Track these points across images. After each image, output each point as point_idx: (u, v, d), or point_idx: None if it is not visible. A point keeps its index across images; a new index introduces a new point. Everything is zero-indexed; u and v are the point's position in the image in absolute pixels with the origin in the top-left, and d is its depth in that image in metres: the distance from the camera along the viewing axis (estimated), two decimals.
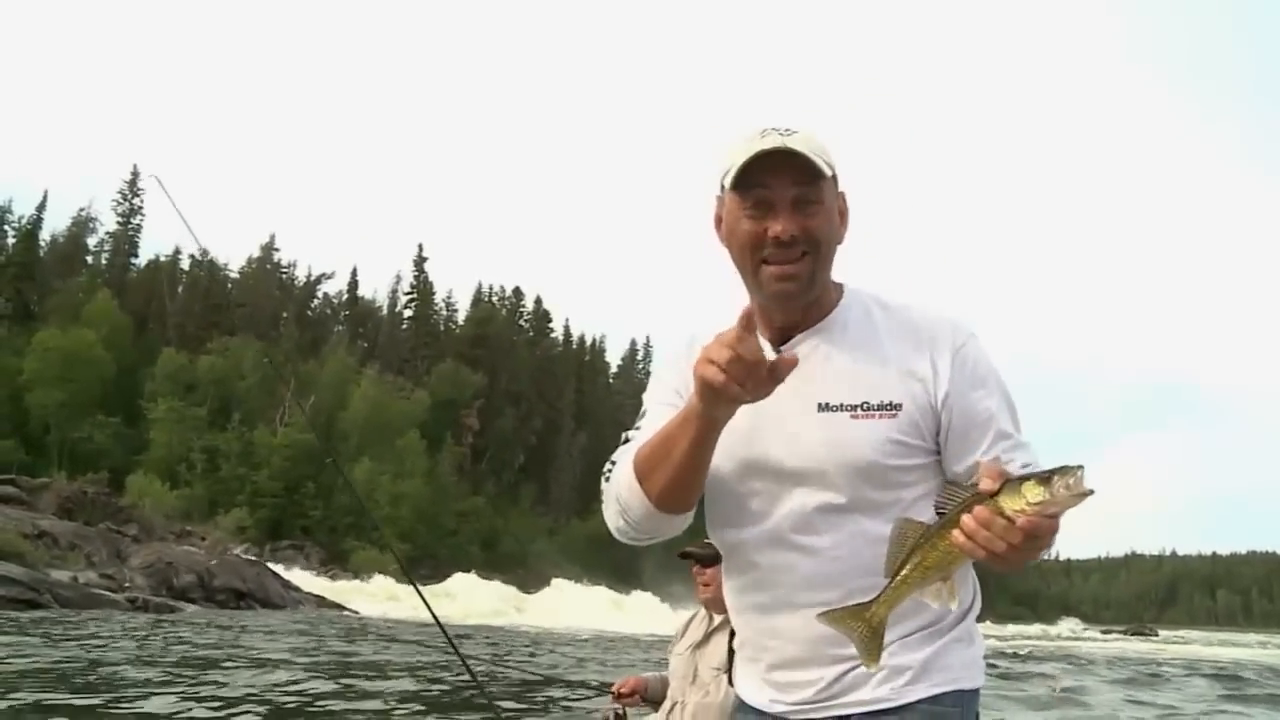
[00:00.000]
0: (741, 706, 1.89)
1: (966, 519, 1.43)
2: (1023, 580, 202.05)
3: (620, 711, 4.02)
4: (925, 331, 1.76)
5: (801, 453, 1.72)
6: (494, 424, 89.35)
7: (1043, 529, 1.42)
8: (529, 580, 66.29)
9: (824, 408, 1.71)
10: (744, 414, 1.69)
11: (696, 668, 3.81)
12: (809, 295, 1.76)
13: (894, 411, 1.70)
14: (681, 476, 1.68)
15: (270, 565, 43.20)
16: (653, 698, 4.01)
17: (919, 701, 1.68)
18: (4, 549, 30.00)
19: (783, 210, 1.69)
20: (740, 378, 1.50)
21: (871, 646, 1.57)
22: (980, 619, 1.82)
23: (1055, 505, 1.40)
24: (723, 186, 1.78)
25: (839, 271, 1.86)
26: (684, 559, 3.89)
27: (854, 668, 1.69)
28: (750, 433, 1.73)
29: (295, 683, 11.56)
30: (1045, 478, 1.41)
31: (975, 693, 1.74)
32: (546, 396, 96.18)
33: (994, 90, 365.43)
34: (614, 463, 1.83)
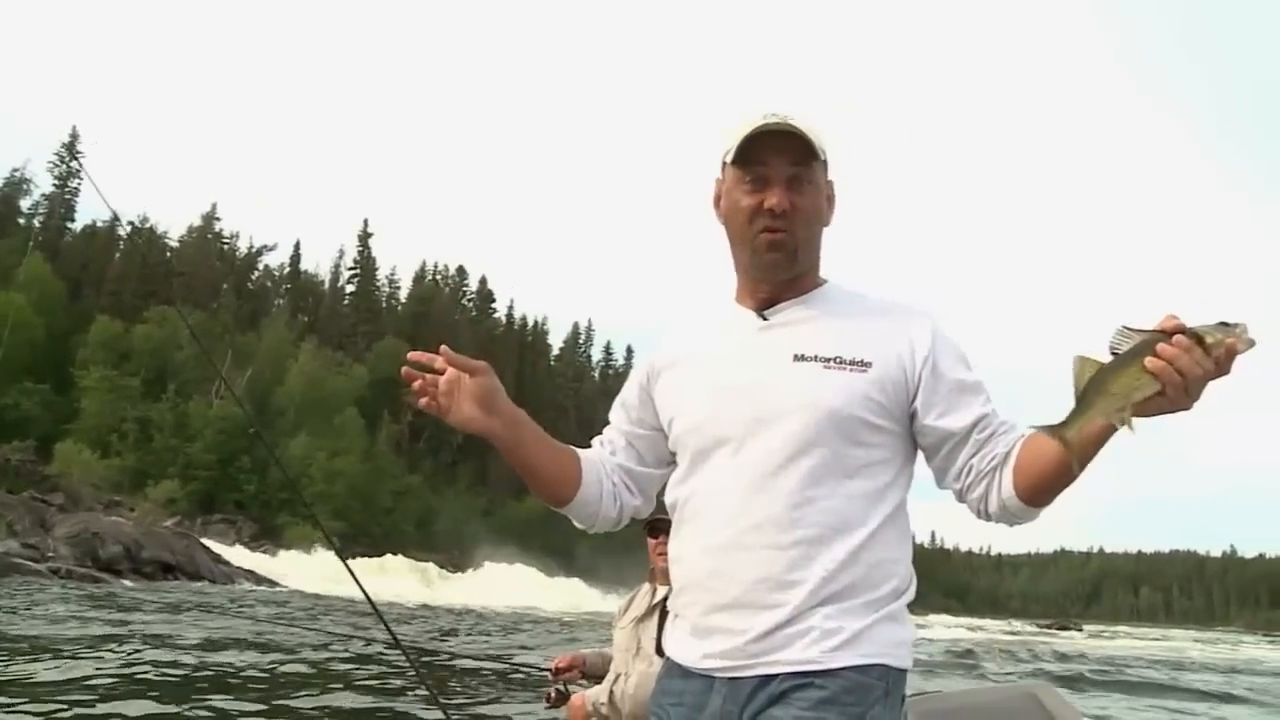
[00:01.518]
0: (668, 670, 1.91)
1: (1164, 345, 1.50)
2: (952, 573, 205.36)
3: (561, 688, 4.05)
4: (902, 312, 1.86)
5: (772, 399, 1.78)
6: None
7: (1229, 363, 1.50)
8: (463, 560, 66.33)
9: (799, 358, 1.79)
10: (721, 369, 1.85)
11: (640, 640, 3.86)
12: (795, 268, 1.86)
13: (865, 367, 1.77)
14: (535, 482, 1.98)
15: (201, 539, 42.85)
16: (592, 672, 4.05)
17: (846, 668, 1.69)
18: None
19: (778, 185, 1.80)
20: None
21: (1072, 462, 1.65)
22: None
23: (1244, 344, 1.50)
24: (723, 165, 1.89)
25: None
26: (649, 529, 3.88)
27: (784, 624, 1.72)
28: (726, 386, 1.82)
29: (221, 660, 11.53)
30: (1223, 325, 1.51)
31: (902, 673, 1.75)
32: None
33: (931, 71, 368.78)
34: None
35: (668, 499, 1.97)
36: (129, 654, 11.37)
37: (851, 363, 1.77)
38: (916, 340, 1.80)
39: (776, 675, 1.71)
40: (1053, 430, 1.63)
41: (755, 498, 1.76)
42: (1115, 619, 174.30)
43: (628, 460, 2.05)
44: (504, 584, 51.16)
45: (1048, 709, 3.20)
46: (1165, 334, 1.52)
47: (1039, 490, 1.73)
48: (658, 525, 3.80)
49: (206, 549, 40.28)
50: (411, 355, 1.82)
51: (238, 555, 44.31)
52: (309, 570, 46.44)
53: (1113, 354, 1.56)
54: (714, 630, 1.79)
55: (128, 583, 30.73)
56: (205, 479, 65.62)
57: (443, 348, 1.85)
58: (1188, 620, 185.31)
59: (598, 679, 3.98)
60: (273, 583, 39.97)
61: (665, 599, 3.77)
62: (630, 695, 3.69)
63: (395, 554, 58.79)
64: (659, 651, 3.62)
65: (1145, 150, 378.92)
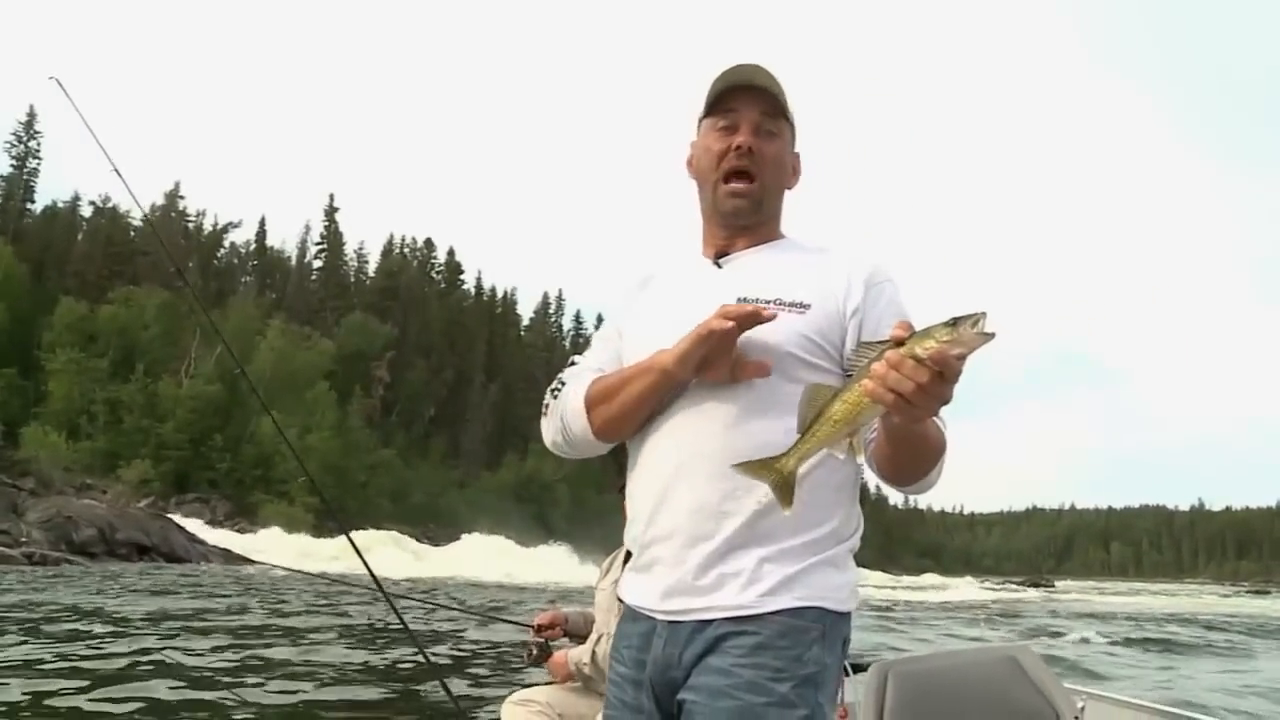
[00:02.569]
0: (624, 614, 1.97)
1: (876, 365, 1.49)
2: (927, 533, 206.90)
3: (542, 643, 4.02)
4: (847, 260, 1.89)
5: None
6: (404, 376, 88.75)
7: (950, 366, 1.46)
8: (439, 533, 66.36)
9: (741, 300, 1.83)
10: (671, 312, 1.91)
11: (620, 600, 3.90)
12: (755, 216, 1.94)
13: (803, 310, 1.82)
14: (626, 414, 1.90)
15: (175, 519, 42.67)
16: (573, 631, 4.04)
17: (779, 612, 1.72)
18: None
19: (746, 127, 1.92)
20: (725, 342, 1.76)
21: (784, 494, 1.66)
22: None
23: (962, 345, 1.45)
24: (699, 125, 2.01)
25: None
26: (623, 490, 3.92)
27: (719, 558, 1.77)
28: (672, 324, 1.85)
29: (213, 642, 11.61)
30: (952, 322, 1.46)
31: (843, 616, 1.78)
32: (457, 349, 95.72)
33: (931, 71, 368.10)
34: (563, 383, 2.02)
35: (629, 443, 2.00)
36: (137, 640, 11.47)
37: (790, 304, 1.83)
38: (853, 289, 1.85)
39: (712, 620, 1.76)
40: (767, 462, 1.66)
41: (695, 431, 1.82)
42: (1087, 574, 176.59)
43: None
44: (483, 555, 51.16)
45: (1027, 671, 3.28)
46: (889, 345, 1.50)
47: (893, 473, 1.78)
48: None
49: (181, 529, 40.11)
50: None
51: (212, 534, 44.09)
52: (286, 547, 46.41)
53: (846, 375, 1.59)
54: (656, 562, 1.86)
55: (112, 566, 30.67)
56: (177, 459, 65.18)
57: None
58: (1157, 574, 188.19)
59: (579, 638, 3.98)
60: (248, 560, 39.84)
61: None
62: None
63: (370, 528, 58.60)
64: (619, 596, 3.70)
65: (1064, 138, 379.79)
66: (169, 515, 43.44)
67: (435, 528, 69.51)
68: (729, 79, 1.93)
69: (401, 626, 3.50)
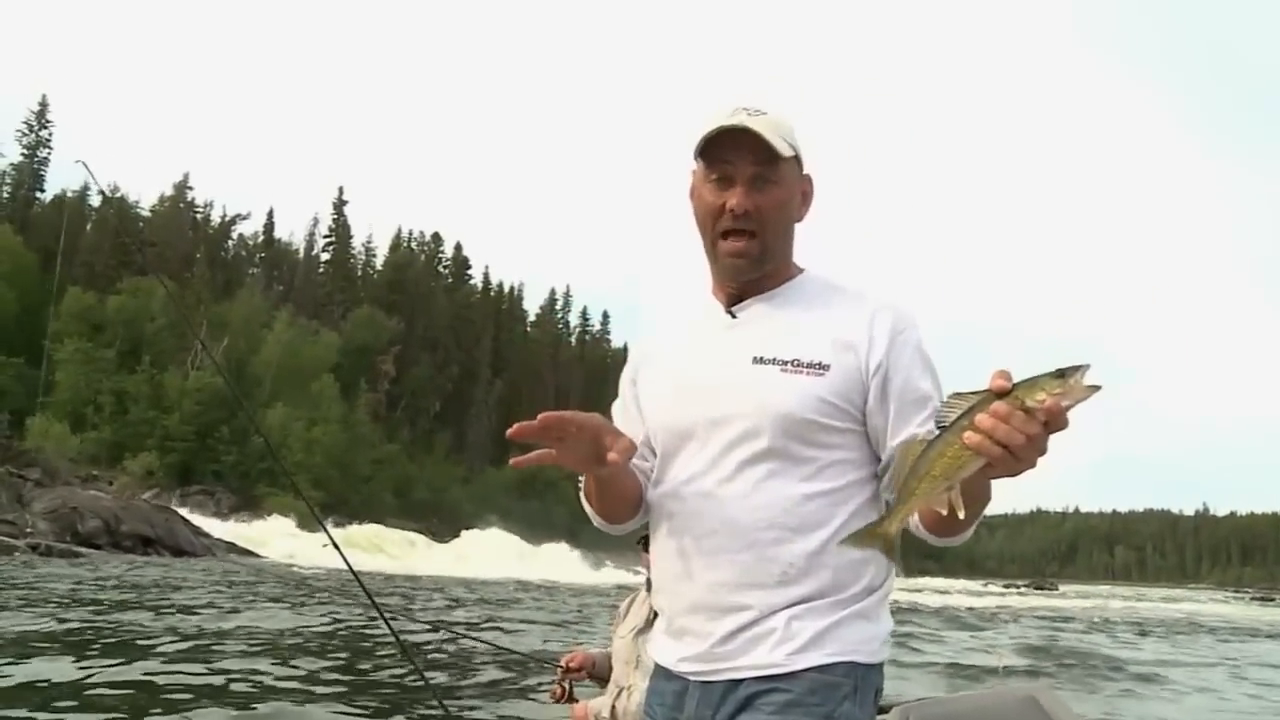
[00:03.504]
0: (655, 673, 1.93)
1: (982, 416, 1.41)
2: None
3: (568, 686, 4.03)
4: (869, 308, 1.81)
5: (730, 401, 1.78)
6: (410, 370, 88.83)
7: (1060, 419, 1.40)
8: (442, 529, 66.38)
9: (757, 361, 1.78)
10: (687, 367, 1.87)
11: (640, 653, 3.80)
12: (759, 270, 1.85)
13: (822, 371, 1.75)
14: (603, 505, 1.94)
15: (179, 510, 42.74)
16: (599, 674, 4.02)
17: (809, 669, 1.70)
18: None
19: (741, 185, 1.80)
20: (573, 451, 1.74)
21: (893, 557, 1.65)
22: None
23: (1072, 395, 1.39)
24: (695, 158, 1.88)
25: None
26: (642, 542, 3.91)
27: (747, 626, 1.74)
28: (688, 385, 1.83)
29: (203, 646, 11.58)
30: (1059, 373, 1.40)
31: (873, 668, 1.74)
32: (464, 344, 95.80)
33: (931, 71, 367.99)
34: None
35: (648, 497, 1.96)
36: (130, 632, 11.49)
37: (809, 366, 1.76)
38: (876, 343, 1.77)
39: (743, 680, 1.73)
40: (870, 530, 1.62)
41: (712, 501, 1.78)
42: (1091, 578, 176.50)
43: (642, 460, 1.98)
44: (487, 552, 51.11)
45: (1048, 712, 3.20)
46: (991, 396, 1.43)
47: (946, 528, 1.69)
48: (649, 538, 3.83)
49: (186, 521, 40.17)
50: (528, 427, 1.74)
51: (216, 526, 44.16)
52: (289, 541, 46.44)
53: (939, 428, 1.50)
54: (685, 631, 1.83)
55: (109, 557, 30.73)
56: (183, 450, 65.30)
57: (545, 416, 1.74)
58: (1161, 578, 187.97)
59: (604, 680, 3.98)
60: (252, 553, 39.93)
61: None
62: (632, 712, 3.67)
63: (372, 523, 58.68)
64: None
65: (1071, 128, 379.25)
66: (173, 507, 43.51)
67: (439, 523, 69.54)
68: (719, 124, 1.80)
69: (396, 643, 3.48)
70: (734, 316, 1.88)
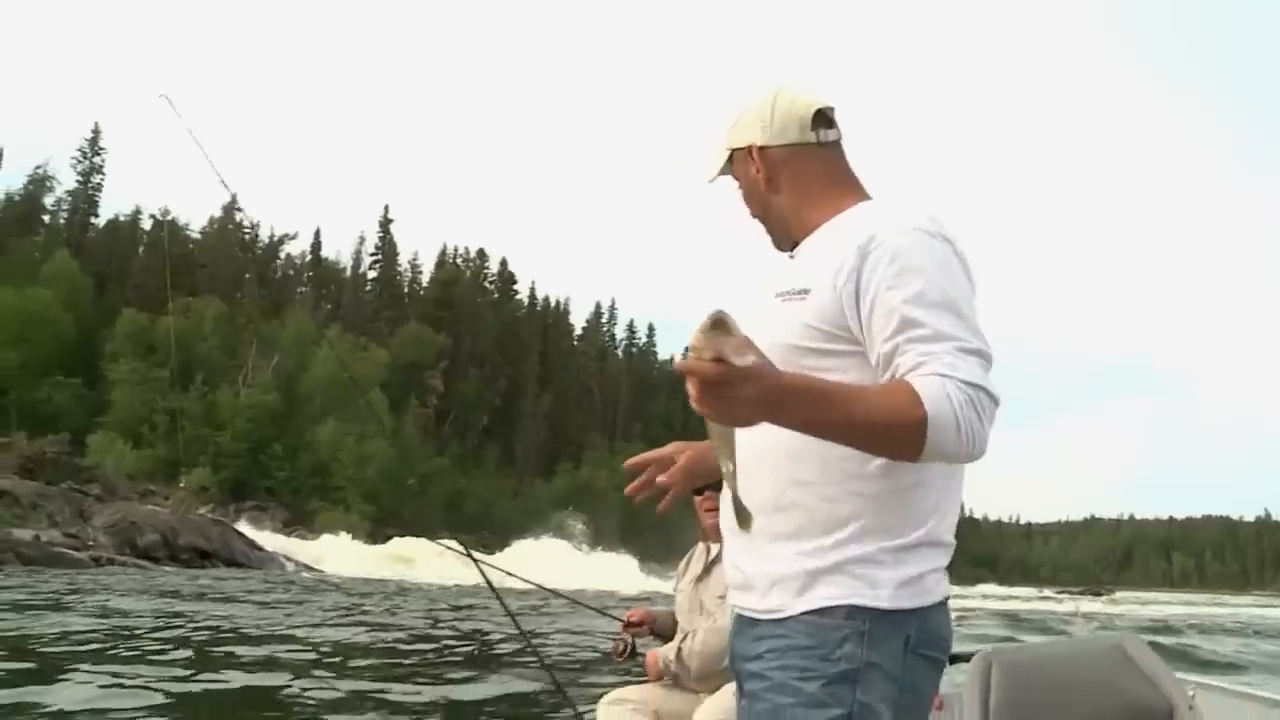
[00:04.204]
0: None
1: None
2: (982, 542, 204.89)
3: (629, 641, 4.08)
4: (863, 227, 1.78)
5: (755, 337, 1.73)
6: (458, 386, 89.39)
7: (690, 368, 1.45)
8: (492, 541, 66.67)
9: (776, 296, 1.86)
10: (753, 305, 1.93)
11: (701, 599, 3.90)
12: (778, 238, 2.00)
13: (803, 296, 1.78)
14: None
15: (234, 525, 43.26)
16: (661, 631, 4.09)
17: (807, 613, 1.71)
18: None
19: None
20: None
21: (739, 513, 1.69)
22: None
23: (696, 349, 1.45)
24: None
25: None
26: (699, 491, 3.85)
27: (748, 555, 1.81)
28: (752, 319, 1.80)
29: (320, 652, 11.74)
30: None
31: (882, 614, 1.69)
32: (511, 358, 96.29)
33: (964, 71, 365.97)
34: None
35: None
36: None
37: (796, 293, 1.80)
38: (846, 261, 1.75)
39: (758, 621, 1.79)
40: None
41: (744, 438, 1.71)
42: (1148, 584, 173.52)
43: None
44: (539, 561, 51.24)
45: (1135, 660, 3.19)
46: None
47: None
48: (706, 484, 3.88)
49: (240, 535, 40.67)
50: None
51: (270, 540, 44.61)
52: (343, 553, 46.87)
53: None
54: (725, 558, 1.94)
55: (168, 568, 31.18)
56: (236, 467, 66.31)
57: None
58: (1222, 585, 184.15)
59: (665, 638, 4.03)
60: (308, 567, 40.33)
61: (719, 557, 3.81)
62: (697, 652, 3.73)
63: (430, 538, 58.94)
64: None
65: (1112, 139, 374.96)
66: (227, 522, 44.06)
67: (489, 536, 69.83)
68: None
69: (516, 630, 3.53)
70: (792, 259, 1.97)
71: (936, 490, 1.76)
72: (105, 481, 44.70)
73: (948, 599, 1.79)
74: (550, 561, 50.71)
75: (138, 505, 39.57)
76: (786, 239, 1.98)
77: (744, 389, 1.47)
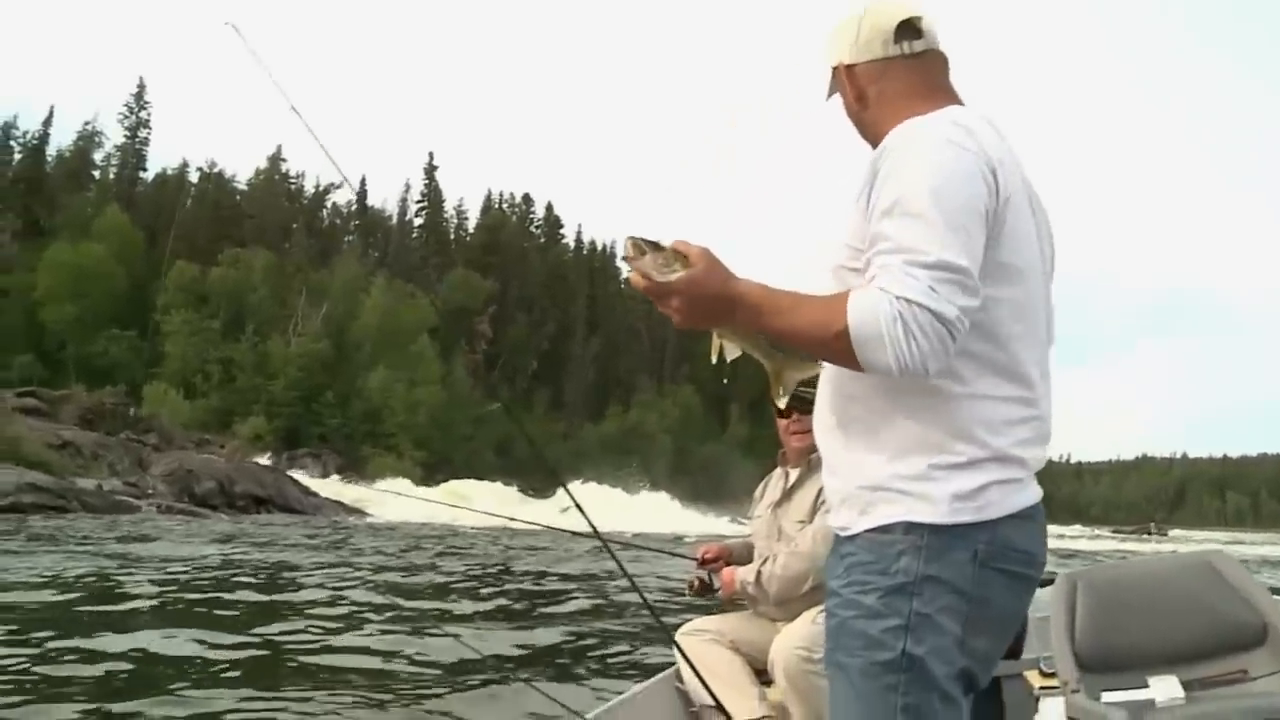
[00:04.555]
0: None
1: None
2: None
3: (705, 577, 4.05)
4: (887, 138, 1.81)
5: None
6: (506, 330, 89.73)
7: (633, 284, 1.72)
8: (543, 484, 67.25)
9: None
10: None
11: (780, 524, 3.88)
12: (873, 146, 1.90)
13: (844, 217, 1.83)
14: None
15: (288, 473, 43.91)
16: (737, 562, 4.04)
17: (869, 530, 1.74)
18: (31, 458, 30.68)
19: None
20: None
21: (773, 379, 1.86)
22: None
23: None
24: None
25: None
26: (779, 410, 3.80)
27: (831, 477, 1.87)
28: None
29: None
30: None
31: (940, 528, 1.70)
32: (559, 302, 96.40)
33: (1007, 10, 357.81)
34: None
35: None
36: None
37: (842, 214, 1.85)
38: (868, 172, 1.78)
39: (839, 538, 1.83)
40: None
41: None
42: (1201, 524, 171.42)
43: None
44: (588, 504, 51.62)
45: (1225, 576, 3.16)
46: None
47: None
48: (783, 408, 3.84)
49: (295, 482, 41.29)
50: None
51: (324, 486, 45.16)
52: (395, 499, 47.33)
53: None
54: None
55: (224, 516, 31.76)
56: (288, 415, 67.20)
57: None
58: (1278, 523, 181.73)
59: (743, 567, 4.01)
60: (362, 513, 40.87)
61: (799, 482, 3.86)
62: (778, 576, 3.71)
63: (480, 478, 59.81)
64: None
65: (1156, 60, 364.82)
66: (281, 469, 44.72)
67: (538, 479, 70.42)
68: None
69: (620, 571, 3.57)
70: None
71: (993, 402, 1.74)
72: (162, 431, 45.61)
73: (1028, 511, 1.77)
74: (602, 506, 51.12)
75: (194, 454, 40.27)
76: (876, 139, 1.94)
77: (672, 301, 1.68)
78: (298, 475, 44.34)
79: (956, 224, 1.63)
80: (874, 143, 1.89)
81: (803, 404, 3.77)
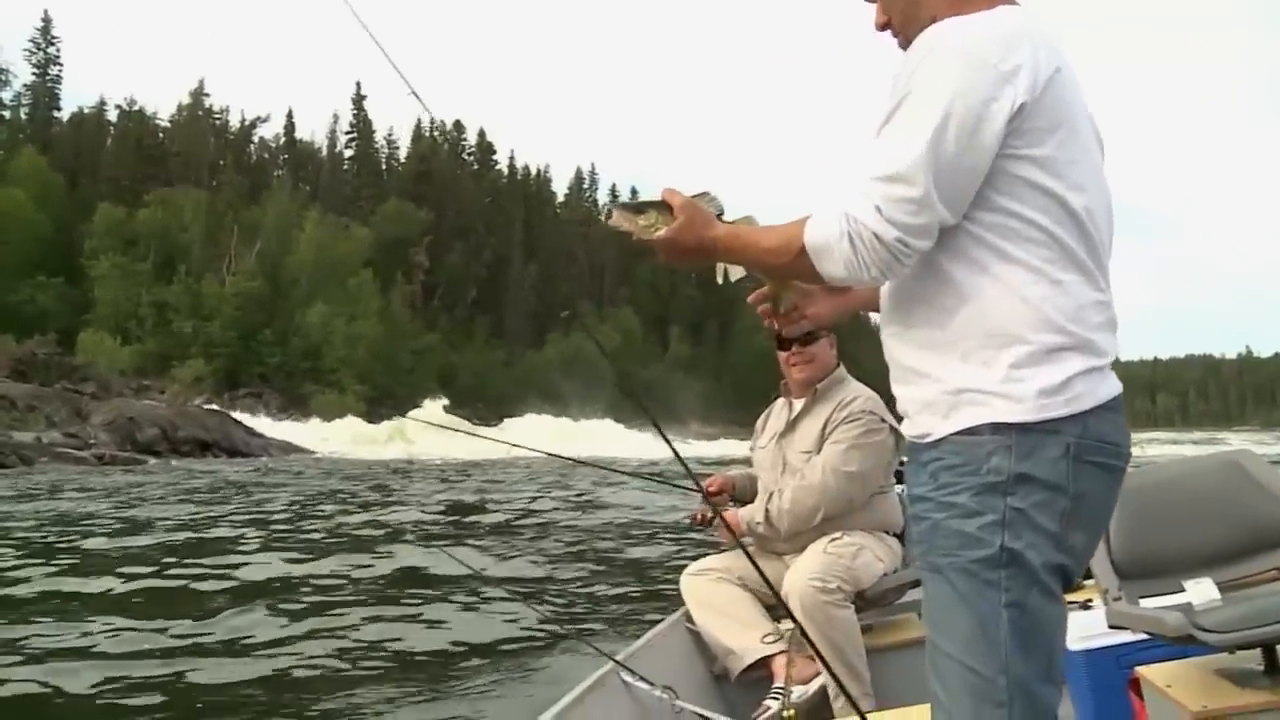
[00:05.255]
0: None
1: None
2: None
3: (709, 511, 3.94)
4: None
5: None
6: (444, 260, 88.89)
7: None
8: (488, 413, 67.23)
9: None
10: None
11: (785, 456, 3.83)
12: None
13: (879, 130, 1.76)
14: None
15: (232, 414, 43.55)
16: (741, 496, 3.99)
17: (956, 433, 1.69)
18: None
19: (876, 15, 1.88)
20: None
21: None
22: None
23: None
24: None
25: None
26: (778, 342, 3.89)
27: (906, 384, 1.79)
28: None
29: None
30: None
31: (1029, 425, 1.66)
32: (495, 229, 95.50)
33: None
34: None
35: None
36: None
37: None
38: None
39: (920, 445, 1.77)
40: None
41: None
42: (1134, 425, 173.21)
43: None
44: (535, 433, 51.74)
45: (1252, 474, 3.13)
46: None
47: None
48: (784, 340, 3.85)
49: (239, 424, 40.97)
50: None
51: (269, 427, 44.89)
52: (339, 435, 47.29)
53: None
54: None
55: (174, 462, 31.51)
56: (227, 356, 66.23)
57: None
58: (1205, 423, 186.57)
59: (745, 503, 3.93)
60: (308, 450, 40.74)
61: (804, 412, 3.82)
62: (787, 511, 3.66)
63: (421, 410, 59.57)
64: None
65: None
66: (225, 411, 44.29)
67: (484, 408, 70.38)
68: None
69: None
70: None
71: (1068, 289, 1.70)
72: (99, 379, 44.89)
73: (1113, 402, 1.73)
74: (550, 434, 51.25)
75: (134, 401, 39.81)
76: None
77: (662, 256, 1.86)
78: (240, 417, 43.99)
79: (937, 140, 1.60)
80: (906, 45, 1.81)
81: (805, 337, 3.81)
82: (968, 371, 1.70)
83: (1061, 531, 1.66)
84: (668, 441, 2.71)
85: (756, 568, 2.60)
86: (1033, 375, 1.67)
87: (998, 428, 1.66)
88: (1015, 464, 1.65)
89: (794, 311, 2.04)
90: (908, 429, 1.80)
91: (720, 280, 1.94)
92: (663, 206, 1.82)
